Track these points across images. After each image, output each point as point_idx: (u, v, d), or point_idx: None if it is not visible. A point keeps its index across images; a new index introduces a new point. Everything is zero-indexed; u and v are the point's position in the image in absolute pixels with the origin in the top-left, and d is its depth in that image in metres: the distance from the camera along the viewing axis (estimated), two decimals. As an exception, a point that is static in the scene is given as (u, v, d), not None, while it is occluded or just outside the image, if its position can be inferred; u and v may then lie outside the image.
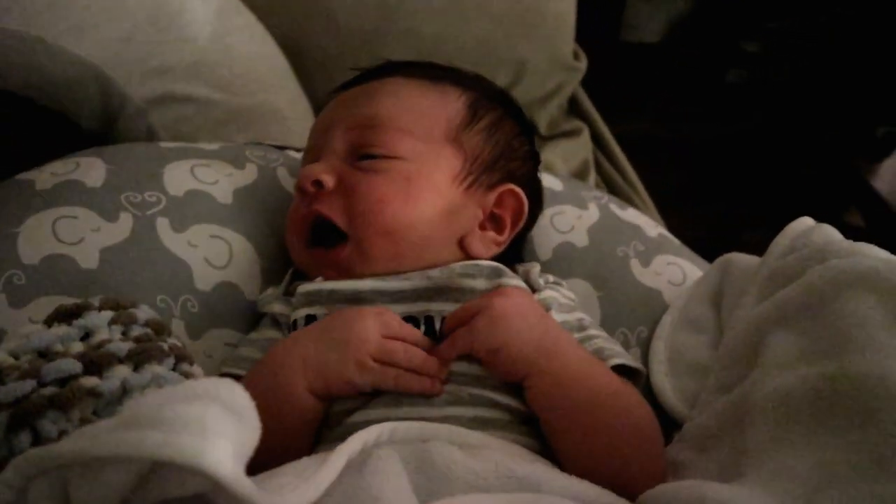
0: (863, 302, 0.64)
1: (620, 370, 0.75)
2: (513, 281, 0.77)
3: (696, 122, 2.48)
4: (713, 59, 2.69)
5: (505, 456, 0.63)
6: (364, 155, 0.80)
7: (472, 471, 0.60)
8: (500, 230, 0.83)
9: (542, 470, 0.63)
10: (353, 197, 0.78)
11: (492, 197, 0.83)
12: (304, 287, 0.77)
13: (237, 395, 0.47)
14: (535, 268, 0.82)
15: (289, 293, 0.80)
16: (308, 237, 0.80)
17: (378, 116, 0.81)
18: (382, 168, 0.78)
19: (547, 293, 0.79)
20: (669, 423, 0.78)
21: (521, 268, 0.83)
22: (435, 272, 0.77)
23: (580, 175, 1.45)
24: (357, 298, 0.75)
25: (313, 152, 0.84)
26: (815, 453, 0.57)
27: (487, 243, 0.82)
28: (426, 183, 0.79)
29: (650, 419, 0.72)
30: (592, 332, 0.79)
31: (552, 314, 0.77)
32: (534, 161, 0.90)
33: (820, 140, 2.42)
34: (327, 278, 0.77)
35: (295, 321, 0.75)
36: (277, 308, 0.79)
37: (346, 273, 0.77)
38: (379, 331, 0.69)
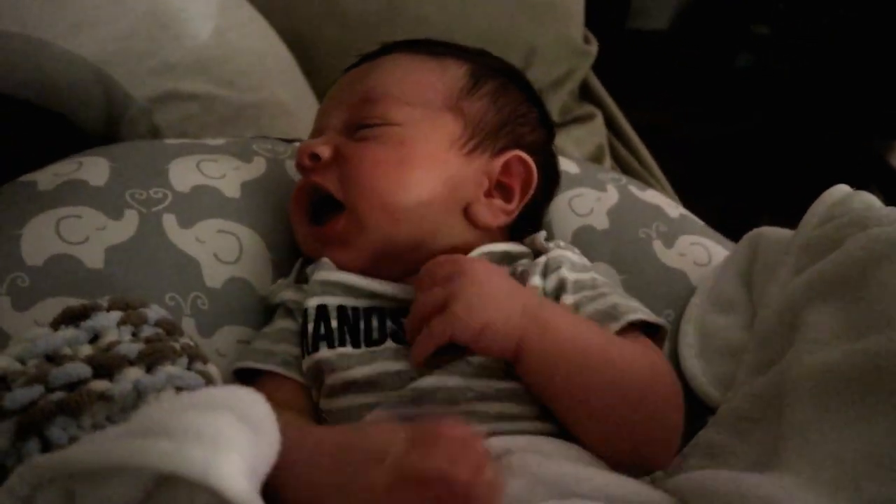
0: (908, 272, 0.60)
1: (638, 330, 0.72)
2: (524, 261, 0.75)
3: (707, 108, 2.45)
4: (722, 43, 2.66)
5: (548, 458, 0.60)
6: (360, 126, 0.78)
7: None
8: (508, 199, 0.81)
9: (578, 469, 0.59)
10: (346, 165, 0.76)
11: (497, 164, 0.80)
12: (320, 275, 0.74)
13: (256, 406, 0.44)
14: (541, 234, 0.80)
15: (300, 281, 0.77)
16: (309, 215, 0.79)
17: (373, 89, 0.79)
18: (376, 135, 0.77)
19: (556, 252, 0.77)
20: (703, 408, 0.74)
21: (528, 239, 0.81)
22: None
23: (595, 161, 1.42)
24: (373, 296, 0.73)
25: (315, 134, 0.83)
26: (860, 436, 0.53)
27: (495, 212, 0.79)
28: (421, 146, 0.77)
29: (665, 376, 0.68)
30: (605, 290, 0.75)
31: (563, 272, 0.74)
32: (545, 129, 0.87)
33: (835, 121, 2.38)
34: (334, 260, 0.75)
35: (306, 310, 0.73)
36: (289, 296, 0.76)
37: (347, 250, 0.75)
38: None
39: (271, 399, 0.66)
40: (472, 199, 0.79)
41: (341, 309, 0.72)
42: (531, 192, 0.81)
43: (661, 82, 2.48)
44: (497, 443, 0.61)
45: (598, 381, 0.65)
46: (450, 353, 0.66)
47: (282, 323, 0.76)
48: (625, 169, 1.45)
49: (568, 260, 0.76)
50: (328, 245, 0.77)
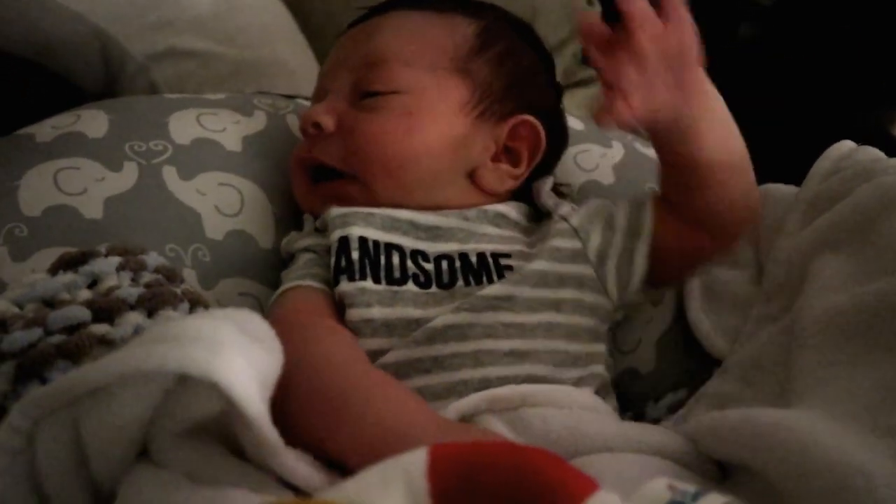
0: (917, 216, 0.60)
1: None
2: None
3: (710, 78, 2.43)
4: (724, 13, 2.63)
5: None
6: (365, 93, 0.76)
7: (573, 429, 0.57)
8: (515, 164, 0.79)
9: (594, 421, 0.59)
10: (351, 137, 0.75)
11: (505, 128, 0.78)
12: (338, 210, 0.73)
13: (256, 323, 0.43)
14: (548, 182, 0.81)
15: (317, 230, 0.76)
16: (310, 177, 0.78)
17: (379, 52, 0.77)
18: (382, 105, 0.75)
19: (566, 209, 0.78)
20: (709, 360, 0.74)
21: (535, 185, 0.80)
22: (472, 212, 0.74)
23: (598, 124, 1.40)
24: (392, 227, 0.72)
25: (320, 95, 0.81)
26: (872, 373, 0.52)
27: (501, 176, 0.78)
28: (429, 115, 0.75)
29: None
30: None
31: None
32: (554, 91, 0.86)
33: (837, 92, 2.36)
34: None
35: (328, 247, 0.72)
36: (310, 241, 0.75)
37: (345, 202, 0.74)
38: None
39: (313, 308, 0.67)
40: (479, 163, 0.78)
41: (362, 241, 0.70)
42: (539, 156, 0.80)
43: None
44: (510, 393, 0.60)
45: (739, 147, 0.71)
46: None
47: (308, 256, 0.74)
48: (628, 132, 1.43)
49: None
50: (334, 200, 0.75)
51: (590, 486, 0.36)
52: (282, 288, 0.71)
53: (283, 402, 0.45)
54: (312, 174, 0.78)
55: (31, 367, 0.52)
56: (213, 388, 0.38)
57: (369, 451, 0.48)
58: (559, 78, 1.41)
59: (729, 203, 0.72)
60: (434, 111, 0.76)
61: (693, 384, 0.73)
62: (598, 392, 0.67)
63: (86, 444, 0.42)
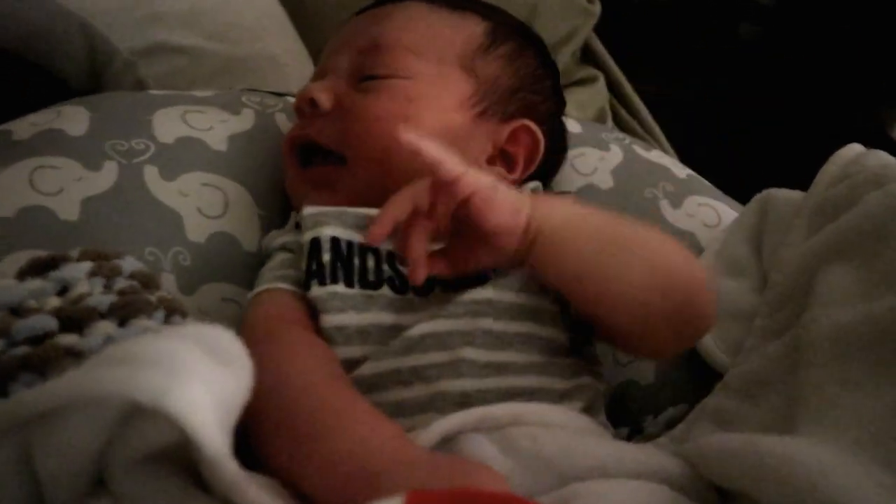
0: (930, 228, 0.57)
1: None
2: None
3: (708, 79, 2.40)
4: (725, 13, 2.61)
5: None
6: (366, 76, 0.74)
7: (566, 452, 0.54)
8: (511, 168, 0.76)
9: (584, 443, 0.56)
10: (348, 117, 0.72)
11: (505, 131, 0.76)
12: (310, 209, 0.70)
13: (225, 340, 0.40)
14: (531, 186, 0.76)
15: (298, 227, 0.73)
16: (299, 158, 0.76)
17: (386, 37, 0.75)
18: (382, 87, 0.73)
19: None
20: (711, 374, 0.71)
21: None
22: None
23: (597, 124, 1.37)
24: (367, 225, 0.68)
25: (320, 74, 0.79)
26: (882, 397, 0.50)
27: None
28: (430, 104, 0.73)
29: (691, 255, 0.63)
30: None
31: None
32: (558, 99, 0.83)
33: (838, 93, 2.33)
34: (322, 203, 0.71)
35: (301, 247, 0.68)
36: (288, 238, 0.72)
37: (335, 195, 0.72)
38: None
39: (284, 314, 0.63)
40: (474, 164, 0.75)
41: (334, 241, 0.67)
42: (535, 164, 0.77)
43: (663, 52, 2.43)
44: (501, 412, 0.57)
45: (631, 260, 0.59)
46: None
47: (283, 256, 0.72)
48: (627, 132, 1.40)
49: None
50: (317, 188, 0.73)
51: None
52: (255, 290, 0.68)
53: (254, 423, 0.42)
54: (302, 157, 0.76)
55: (-7, 379, 0.49)
56: (164, 412, 0.35)
57: (342, 489, 0.46)
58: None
59: (633, 301, 0.60)
60: (434, 102, 0.73)
61: (694, 398, 0.70)
62: (589, 405, 0.63)
63: (37, 470, 0.39)
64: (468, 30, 0.77)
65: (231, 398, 0.38)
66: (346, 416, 0.52)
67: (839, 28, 2.37)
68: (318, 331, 0.63)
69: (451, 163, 0.57)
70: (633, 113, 1.46)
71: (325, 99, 0.73)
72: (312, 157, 0.75)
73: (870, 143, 0.76)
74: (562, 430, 0.57)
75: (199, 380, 0.36)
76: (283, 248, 0.72)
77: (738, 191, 0.93)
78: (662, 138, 1.41)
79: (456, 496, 0.34)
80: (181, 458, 0.40)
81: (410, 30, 0.76)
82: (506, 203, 0.58)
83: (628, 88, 1.50)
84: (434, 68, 0.74)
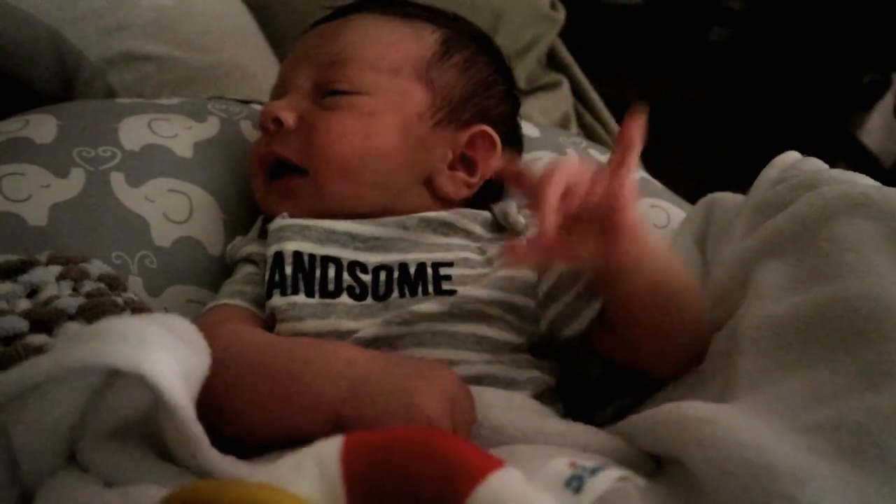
0: (855, 227, 0.60)
1: None
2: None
3: (679, 83, 2.44)
4: (695, 17, 2.65)
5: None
6: (328, 92, 0.77)
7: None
8: (471, 172, 0.80)
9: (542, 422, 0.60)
10: (311, 134, 0.75)
11: (463, 137, 0.79)
12: (276, 223, 0.73)
13: (185, 326, 0.44)
14: (512, 206, 0.78)
15: (263, 236, 0.76)
16: (267, 172, 0.78)
17: (343, 52, 0.78)
18: (344, 104, 0.76)
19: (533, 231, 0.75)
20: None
21: (496, 207, 0.79)
22: (412, 220, 0.74)
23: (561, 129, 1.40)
24: (329, 239, 0.72)
25: (280, 89, 0.81)
26: (804, 377, 0.53)
27: (457, 184, 0.79)
28: (390, 118, 0.76)
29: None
30: None
31: None
32: (511, 102, 0.86)
33: (806, 95, 2.38)
34: (291, 215, 0.74)
35: (265, 259, 0.72)
36: (253, 248, 0.75)
37: (301, 204, 0.74)
38: None
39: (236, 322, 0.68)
40: (436, 171, 0.78)
41: (297, 255, 0.71)
42: (494, 167, 0.80)
43: (634, 56, 2.47)
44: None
45: (682, 316, 0.65)
46: None
47: (248, 268, 0.75)
48: (591, 137, 1.43)
49: None
50: (286, 199, 0.76)
51: (493, 464, 0.37)
52: (211, 304, 0.71)
53: (210, 400, 0.45)
54: (270, 171, 0.78)
55: (-35, 378, 0.52)
56: (140, 384, 0.39)
57: (341, 407, 0.53)
58: (523, 83, 1.43)
59: (664, 338, 0.66)
60: (395, 116, 0.76)
61: (641, 391, 0.73)
62: (539, 396, 0.67)
63: (15, 449, 0.42)
64: (423, 40, 0.80)
65: (193, 371, 0.42)
66: (322, 347, 0.59)
67: (809, 31, 2.42)
68: None
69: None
70: (597, 117, 1.49)
71: (288, 116, 0.76)
72: (278, 172, 0.77)
73: (836, 143, 0.79)
74: (499, 408, 0.60)
75: (167, 351, 0.40)
76: (249, 259, 0.75)
77: (703, 192, 0.96)
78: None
79: (389, 434, 0.38)
80: (146, 433, 0.43)
81: (367, 43, 0.78)
82: (643, 220, 0.61)
83: (592, 93, 1.53)
84: (392, 81, 0.77)
